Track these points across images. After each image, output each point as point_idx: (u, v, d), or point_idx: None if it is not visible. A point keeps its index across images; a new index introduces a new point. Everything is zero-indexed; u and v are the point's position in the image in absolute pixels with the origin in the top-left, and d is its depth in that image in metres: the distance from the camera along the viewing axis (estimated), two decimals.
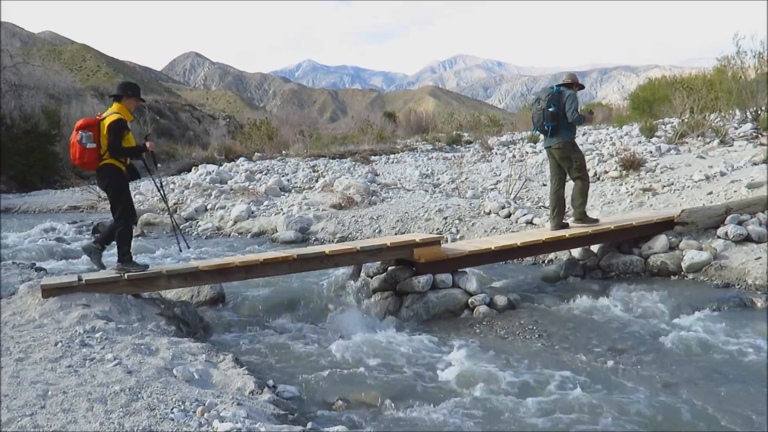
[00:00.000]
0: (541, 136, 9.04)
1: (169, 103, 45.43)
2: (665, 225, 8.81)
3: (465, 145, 27.69)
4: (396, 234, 11.61)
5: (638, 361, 5.66)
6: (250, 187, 17.23)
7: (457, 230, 11.45)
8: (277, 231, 12.97)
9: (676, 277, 8.21)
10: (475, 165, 19.34)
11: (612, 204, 11.95)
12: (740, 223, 8.48)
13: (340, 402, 4.97)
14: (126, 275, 6.45)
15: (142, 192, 18.26)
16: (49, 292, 6.07)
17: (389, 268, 7.86)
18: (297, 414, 4.55)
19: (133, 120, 6.74)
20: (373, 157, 23.17)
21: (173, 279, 6.67)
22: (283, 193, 16.59)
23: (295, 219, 13.03)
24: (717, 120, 18.39)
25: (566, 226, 8.71)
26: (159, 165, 6.25)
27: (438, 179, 17.66)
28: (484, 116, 45.20)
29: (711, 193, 10.70)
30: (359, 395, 5.08)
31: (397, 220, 12.39)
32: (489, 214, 11.87)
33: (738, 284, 7.62)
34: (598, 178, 13.91)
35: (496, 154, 21.57)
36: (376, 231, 12.24)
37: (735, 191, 10.37)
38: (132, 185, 7.12)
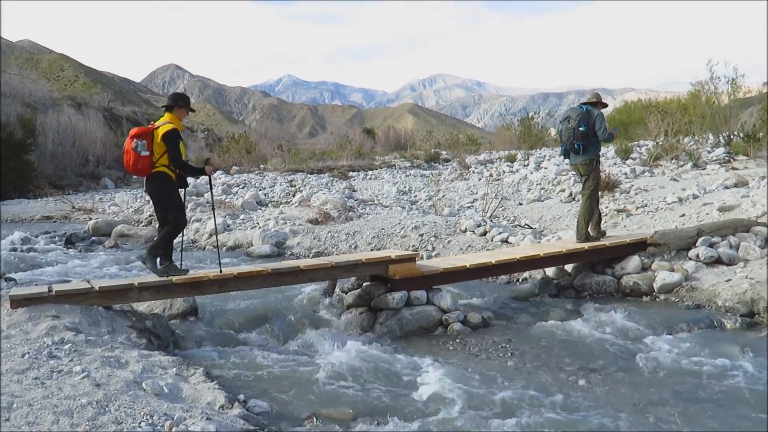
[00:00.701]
0: (555, 154, 9.36)
1: (147, 115, 45.13)
2: (638, 246, 8.91)
3: (443, 163, 27.84)
4: (372, 250, 11.60)
5: (609, 381, 5.70)
6: (226, 200, 17.14)
7: (433, 247, 11.48)
8: (252, 245, 12.91)
9: (648, 297, 8.29)
10: (452, 183, 19.44)
11: None
12: (711, 245, 8.59)
13: (311, 417, 4.94)
14: (169, 276, 6.72)
15: (117, 203, 18.08)
16: (17, 302, 5.97)
17: (364, 284, 7.85)
18: (267, 429, 4.51)
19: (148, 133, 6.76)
20: (351, 173, 23.20)
21: (145, 291, 6.61)
22: (259, 207, 16.53)
23: (271, 233, 12.98)
24: (691, 144, 18.71)
25: (595, 238, 8.97)
26: (213, 185, 6.72)
27: (415, 196, 17.72)
28: (462, 135, 45.50)
29: (683, 215, 10.84)
30: (331, 411, 5.05)
31: (374, 237, 12.39)
32: (465, 231, 11.91)
33: (708, 306, 7.70)
34: (574, 198, 14.03)
35: (474, 172, 21.70)
36: (352, 247, 12.23)
37: (707, 214, 10.51)
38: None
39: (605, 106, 9.25)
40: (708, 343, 6.51)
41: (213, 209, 8.25)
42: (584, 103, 8.94)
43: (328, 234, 12.98)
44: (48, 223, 19.55)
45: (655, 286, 8.29)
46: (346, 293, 7.99)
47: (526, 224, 12.90)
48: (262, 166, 26.64)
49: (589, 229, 8.97)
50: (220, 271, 6.97)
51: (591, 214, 9.02)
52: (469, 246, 11.20)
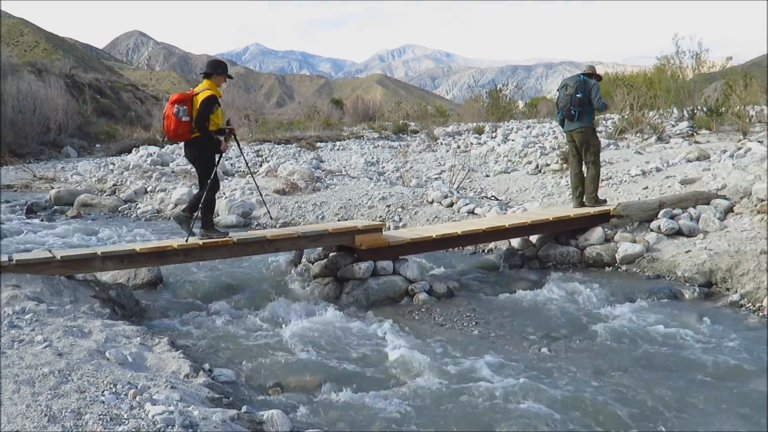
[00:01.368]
0: (553, 122, 9.66)
1: (110, 82, 44.13)
2: (602, 217, 9.03)
3: (411, 134, 27.81)
4: (339, 221, 11.59)
5: (571, 348, 5.81)
6: (192, 170, 16.94)
7: (400, 218, 11.51)
8: (218, 215, 12.79)
9: (611, 268, 8.43)
10: (420, 154, 19.46)
11: (552, 196, 12.18)
12: (672, 217, 8.74)
13: (276, 386, 4.96)
14: (202, 242, 6.94)
15: (80, 173, 17.76)
16: None
17: (330, 254, 7.86)
18: (232, 398, 4.53)
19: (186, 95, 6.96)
20: (318, 144, 23.07)
21: (108, 261, 6.55)
22: (226, 177, 16.35)
23: (238, 203, 12.89)
24: (655, 117, 18.91)
25: (604, 201, 9.41)
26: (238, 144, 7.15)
27: (383, 167, 17.71)
28: (431, 106, 45.43)
29: (646, 188, 11.00)
30: (296, 380, 5.08)
31: (341, 207, 12.37)
32: (432, 203, 11.96)
33: (668, 276, 7.86)
34: (540, 171, 14.15)
35: (442, 144, 21.74)
36: (319, 217, 12.21)
37: (669, 187, 10.68)
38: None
39: (600, 78, 9.57)
40: (667, 312, 6.65)
41: (249, 169, 9.41)
42: (581, 74, 9.29)
43: (295, 204, 12.93)
44: (8, 192, 19.16)
45: (618, 257, 8.42)
46: (313, 263, 8.00)
47: (492, 196, 12.99)
48: None
49: (598, 194, 9.40)
50: (270, 218, 7.13)
51: (598, 179, 9.42)
52: (436, 217, 11.25)
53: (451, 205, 11.70)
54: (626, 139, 17.07)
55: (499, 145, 18.80)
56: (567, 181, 12.71)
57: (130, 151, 21.99)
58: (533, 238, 9.26)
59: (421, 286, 7.39)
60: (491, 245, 9.77)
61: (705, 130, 17.09)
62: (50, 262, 6.23)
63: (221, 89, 7.32)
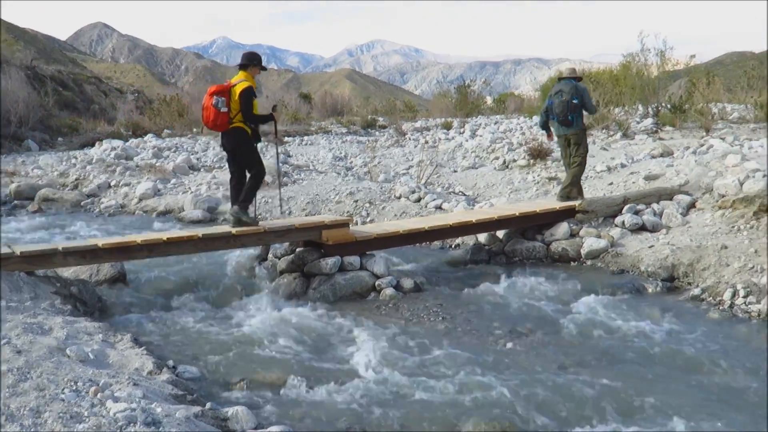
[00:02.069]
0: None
1: (73, 75, 43.27)
2: (567, 213, 9.13)
3: (379, 129, 27.79)
4: (306, 216, 11.55)
5: (536, 343, 5.88)
6: (157, 164, 16.70)
7: (368, 213, 11.51)
8: (184, 210, 12.67)
9: (576, 263, 8.52)
10: (388, 149, 19.44)
11: (519, 191, 12.28)
12: (636, 212, 8.87)
13: (241, 382, 4.95)
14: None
15: (41, 166, 17.40)
16: None
17: (297, 249, 7.84)
18: (197, 394, 4.49)
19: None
20: (286, 138, 22.93)
21: (70, 256, 6.44)
22: (192, 171, 16.17)
23: (203, 198, 12.77)
24: (621, 114, 19.12)
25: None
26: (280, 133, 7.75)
27: (351, 162, 17.67)
28: (399, 102, 45.42)
29: (611, 183, 11.14)
30: (262, 375, 5.06)
31: (308, 202, 12.33)
32: (399, 198, 11.97)
33: (632, 271, 7.98)
34: (507, 166, 14.25)
35: (410, 139, 21.73)
36: (286, 212, 12.15)
37: (633, 182, 10.83)
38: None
39: (581, 79, 9.70)
40: (631, 306, 6.76)
41: (278, 156, 9.13)
42: (569, 78, 9.42)
43: (262, 199, 12.83)
44: None
45: (583, 252, 8.53)
46: (279, 259, 7.97)
47: (460, 191, 13.05)
48: (195, 129, 26.01)
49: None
50: (281, 212, 7.38)
51: (580, 177, 9.61)
52: (404, 212, 11.28)
53: (419, 200, 11.73)
54: (592, 135, 17.20)
55: (467, 140, 18.86)
56: (534, 177, 12.85)
57: (93, 145, 21.59)
58: (500, 234, 9.33)
59: (388, 281, 7.40)
60: (458, 240, 9.82)
61: (669, 126, 17.31)
62: (10, 258, 6.12)
63: (256, 80, 7.56)
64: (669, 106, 18.52)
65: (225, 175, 15.00)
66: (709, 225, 8.25)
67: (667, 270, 7.66)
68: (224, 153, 7.86)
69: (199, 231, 7.26)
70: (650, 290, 7.37)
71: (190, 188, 14.10)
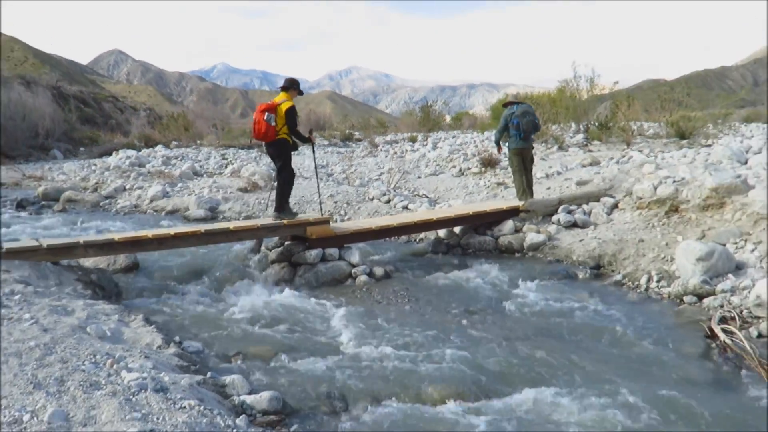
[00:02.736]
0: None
1: (93, 94, 42.52)
2: (513, 212, 9.20)
3: (356, 142, 27.68)
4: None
5: (486, 320, 5.92)
6: (166, 170, 16.47)
7: (345, 212, 11.48)
8: (189, 209, 12.52)
9: (520, 254, 8.59)
10: (363, 159, 19.39)
11: (472, 194, 12.33)
12: (569, 212, 8.97)
13: (237, 355, 4.91)
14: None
15: (65, 172, 17.07)
16: None
17: (286, 243, 7.79)
18: (199, 365, 4.46)
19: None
20: None
21: (90, 249, 6.34)
22: (195, 177, 15.97)
23: (206, 199, 12.63)
24: (557, 130, 19.32)
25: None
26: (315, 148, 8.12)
27: (331, 170, 17.58)
28: (373, 119, 45.32)
29: (549, 188, 11.24)
30: (255, 349, 5.03)
31: (295, 203, 12.23)
32: (372, 200, 11.96)
33: (566, 260, 8.07)
34: (463, 173, 14.30)
35: (381, 150, 21.70)
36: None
37: (567, 187, 10.95)
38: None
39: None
40: (565, 290, 6.84)
41: (316, 170, 9.39)
42: (522, 102, 9.80)
43: (256, 200, 12.76)
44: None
45: (525, 244, 8.60)
46: (270, 251, 7.91)
47: (423, 194, 13.07)
48: (198, 141, 25.70)
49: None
50: (321, 214, 8.01)
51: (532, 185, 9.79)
52: (376, 211, 11.27)
53: (389, 201, 11.73)
54: (533, 148, 17.38)
55: (429, 151, 18.87)
56: (485, 182, 12.91)
57: (110, 154, 21.23)
58: (457, 229, 9.36)
59: (362, 269, 7.40)
60: (422, 235, 9.83)
61: (597, 141, 17.52)
62: (37, 250, 6.00)
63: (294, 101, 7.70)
64: (597, 124, 18.76)
65: (224, 180, 14.90)
66: (629, 222, 8.37)
67: (594, 260, 7.76)
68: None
69: (202, 227, 7.18)
70: (581, 276, 7.46)
71: (194, 191, 13.93)
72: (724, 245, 6.93)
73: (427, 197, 12.60)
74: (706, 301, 6.10)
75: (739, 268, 6.58)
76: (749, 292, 5.91)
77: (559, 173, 12.37)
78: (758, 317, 5.52)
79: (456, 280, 7.29)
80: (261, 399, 3.83)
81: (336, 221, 10.51)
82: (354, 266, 7.49)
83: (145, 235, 6.69)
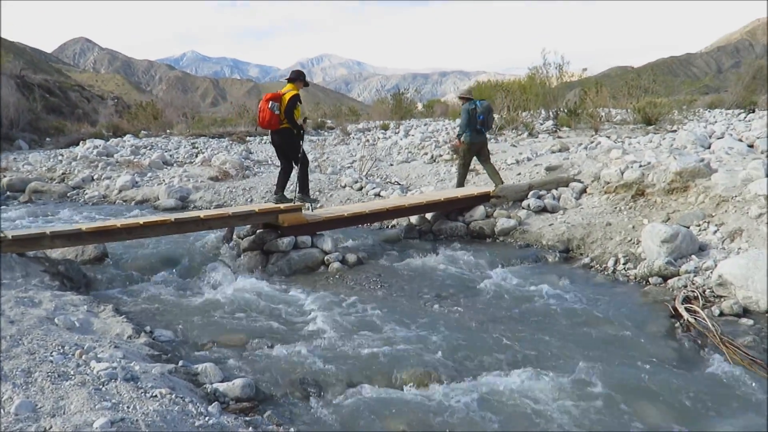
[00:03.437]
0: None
1: (59, 83, 41.45)
2: (484, 198, 9.26)
3: (328, 130, 27.55)
4: (265, 203, 11.40)
5: (458, 304, 5.96)
6: (135, 160, 16.18)
7: (318, 200, 11.43)
8: (159, 199, 12.35)
9: (491, 239, 8.66)
10: (335, 147, 19.31)
11: (444, 181, 12.37)
12: (539, 197, 9.06)
13: (210, 343, 4.87)
14: (282, 206, 7.52)
15: (31, 163, 16.67)
16: None
17: (258, 231, 7.73)
18: (171, 354, 4.42)
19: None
20: (248, 138, 22.52)
21: (57, 239, 6.20)
22: (165, 166, 15.72)
23: (176, 189, 12.47)
24: (527, 117, 19.48)
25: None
26: (306, 134, 8.42)
27: None
28: (345, 107, 45.11)
29: (519, 174, 11.33)
30: (228, 337, 5.00)
31: (267, 191, 12.18)
32: (345, 187, 11.93)
33: (536, 244, 8.16)
34: (434, 160, 14.33)
35: (353, 138, 21.64)
36: (248, 200, 11.98)
37: (537, 172, 11.04)
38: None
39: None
40: (534, 273, 6.93)
41: (301, 144, 8.64)
42: (474, 99, 9.82)
43: (227, 189, 12.64)
44: None
45: (496, 229, 8.67)
46: (242, 239, 7.85)
47: (395, 181, 13.07)
48: (168, 131, 25.29)
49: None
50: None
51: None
52: (348, 199, 11.25)
53: (361, 189, 11.71)
54: (504, 134, 17.50)
55: (401, 139, 18.89)
56: (456, 169, 12.92)
57: (77, 144, 20.78)
58: (429, 216, 9.39)
59: (335, 256, 7.39)
60: (394, 222, 9.85)
61: (566, 127, 17.72)
62: (2, 241, 5.86)
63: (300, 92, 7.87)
64: (566, 110, 18.97)
65: (194, 169, 14.71)
66: (597, 206, 8.50)
67: (563, 243, 7.87)
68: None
69: (172, 216, 7.07)
70: (550, 260, 7.56)
71: (164, 180, 13.74)
72: (688, 227, 7.09)
73: (399, 184, 12.60)
74: (670, 281, 6.24)
75: (702, 250, 6.74)
76: (711, 272, 6.06)
77: (529, 159, 12.47)
78: (720, 296, 5.67)
79: (428, 265, 7.32)
80: (234, 386, 3.81)
81: (308, 209, 10.45)
82: (327, 253, 7.47)
83: (114, 224, 6.57)
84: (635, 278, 6.64)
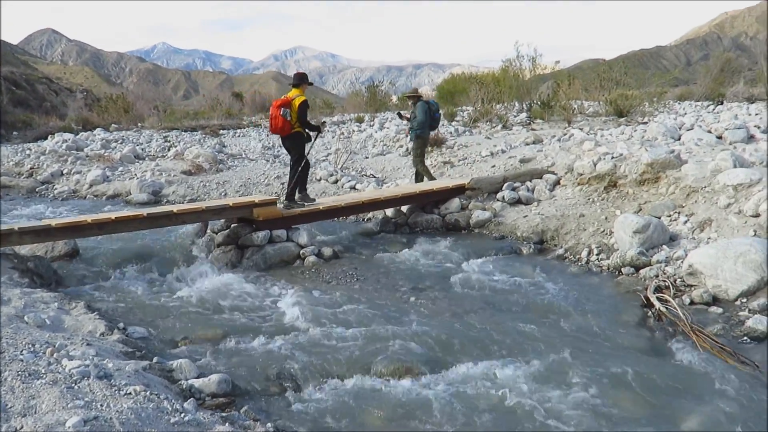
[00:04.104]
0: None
1: (25, 75, 40.44)
2: (459, 190, 9.31)
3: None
4: (240, 197, 11.31)
5: (434, 296, 5.99)
6: (105, 154, 15.91)
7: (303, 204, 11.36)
8: (131, 194, 12.16)
9: (466, 231, 8.71)
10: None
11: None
12: (514, 189, 9.13)
13: (184, 339, 4.83)
14: (306, 204, 7.98)
15: None
16: None
17: (232, 225, 7.67)
18: (145, 351, 4.37)
19: None
20: (221, 131, 22.24)
21: (26, 236, 6.08)
22: (137, 160, 15.48)
23: (148, 183, 12.29)
24: (501, 109, 19.54)
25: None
26: (322, 136, 10.53)
27: (278, 151, 17.30)
28: (319, 100, 44.84)
29: (494, 166, 11.38)
30: (202, 333, 4.96)
31: (241, 185, 12.08)
32: (320, 180, 11.89)
33: (510, 236, 8.23)
34: (409, 153, 14.30)
35: (328, 131, 21.54)
36: (222, 194, 11.87)
37: (512, 165, 11.10)
38: None
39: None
40: (509, 265, 6.98)
41: (314, 141, 8.81)
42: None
43: (200, 183, 12.50)
44: None
45: (471, 222, 8.72)
46: (217, 233, 7.78)
47: (371, 174, 13.05)
48: (139, 124, 24.87)
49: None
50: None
51: None
52: (324, 192, 11.20)
53: (336, 182, 11.68)
54: (478, 126, 17.54)
55: (376, 132, 18.83)
56: (431, 162, 12.94)
57: (45, 138, 20.34)
58: (404, 208, 9.40)
59: (310, 250, 7.36)
60: (370, 215, 9.84)
61: (539, 119, 17.83)
62: None
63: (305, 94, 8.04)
64: (539, 103, 19.07)
65: (167, 163, 14.52)
66: (570, 198, 8.59)
67: (538, 235, 7.94)
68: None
69: (145, 211, 6.99)
70: (525, 251, 7.62)
71: (136, 175, 13.53)
72: (659, 218, 7.21)
73: (375, 177, 12.59)
74: (642, 271, 6.34)
75: (672, 240, 6.86)
76: (682, 262, 6.18)
77: (503, 151, 12.53)
78: (690, 285, 5.79)
79: (404, 258, 7.34)
80: (210, 382, 3.79)
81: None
82: (302, 247, 7.44)
83: (85, 220, 6.46)
84: (608, 268, 6.74)
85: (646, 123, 14.93)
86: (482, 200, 9.11)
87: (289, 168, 8.37)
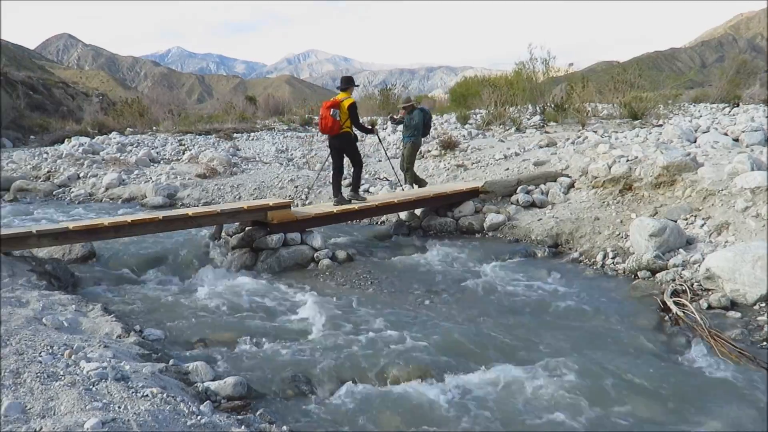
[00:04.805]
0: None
1: (42, 80, 40.88)
2: (473, 193, 9.28)
3: (315, 126, 27.43)
4: (254, 200, 11.36)
5: (448, 300, 5.98)
6: (121, 157, 16.04)
7: (306, 197, 11.41)
8: (146, 197, 12.25)
9: (480, 234, 8.68)
10: (323, 143, 19.21)
11: (433, 177, 12.37)
12: (528, 192, 9.09)
13: (200, 342, 4.84)
14: (356, 204, 8.36)
15: (15, 161, 16.47)
16: None
17: (246, 228, 7.69)
18: (161, 353, 4.38)
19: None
20: (235, 135, 22.37)
21: (44, 238, 6.14)
22: (152, 163, 15.60)
23: (163, 186, 12.38)
24: (514, 112, 19.48)
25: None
26: (379, 138, 11.67)
27: (291, 154, 17.41)
28: None
29: (508, 169, 11.35)
30: (217, 336, 4.97)
31: (255, 188, 12.12)
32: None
33: (525, 239, 8.19)
34: (423, 156, 14.31)
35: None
36: (237, 197, 11.92)
37: (525, 168, 11.06)
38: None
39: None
40: (524, 268, 6.95)
41: (386, 154, 11.14)
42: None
43: (215, 186, 12.56)
44: None
45: (485, 225, 8.69)
46: (231, 236, 7.81)
47: (384, 177, 13.06)
48: (154, 128, 25.06)
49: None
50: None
51: None
52: None
53: (350, 185, 11.67)
54: (492, 129, 17.51)
55: (389, 135, 18.86)
56: (445, 165, 12.96)
57: (62, 142, 20.54)
58: (418, 212, 9.40)
59: (324, 253, 7.37)
60: (383, 218, 9.85)
61: (553, 122, 17.76)
62: None
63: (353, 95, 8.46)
64: (553, 105, 19.00)
65: (182, 166, 14.60)
66: (585, 201, 8.54)
67: (552, 238, 7.90)
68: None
69: (160, 214, 7.02)
70: (539, 255, 7.59)
71: (151, 178, 13.63)
72: (676, 221, 7.14)
73: (388, 180, 12.59)
74: (659, 275, 6.28)
75: (689, 243, 6.79)
76: (699, 265, 6.11)
77: (517, 154, 12.49)
78: (708, 289, 5.72)
79: (418, 261, 7.33)
80: (225, 385, 3.79)
81: (297, 206, 10.45)
82: (316, 250, 7.45)
83: (101, 223, 6.51)
84: (624, 272, 6.68)
85: (661, 125, 14.81)
86: (496, 203, 9.08)
87: (331, 168, 8.77)
